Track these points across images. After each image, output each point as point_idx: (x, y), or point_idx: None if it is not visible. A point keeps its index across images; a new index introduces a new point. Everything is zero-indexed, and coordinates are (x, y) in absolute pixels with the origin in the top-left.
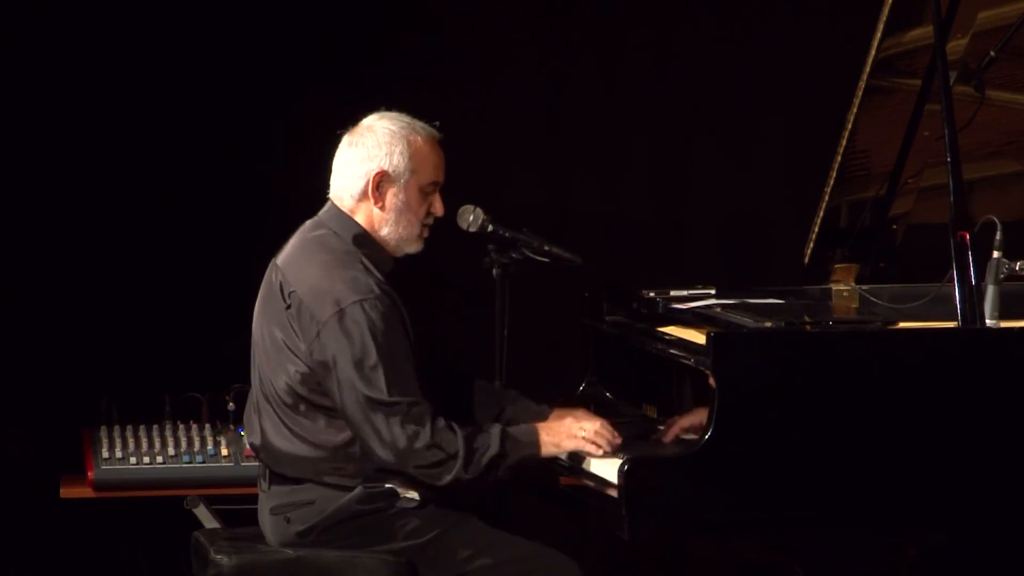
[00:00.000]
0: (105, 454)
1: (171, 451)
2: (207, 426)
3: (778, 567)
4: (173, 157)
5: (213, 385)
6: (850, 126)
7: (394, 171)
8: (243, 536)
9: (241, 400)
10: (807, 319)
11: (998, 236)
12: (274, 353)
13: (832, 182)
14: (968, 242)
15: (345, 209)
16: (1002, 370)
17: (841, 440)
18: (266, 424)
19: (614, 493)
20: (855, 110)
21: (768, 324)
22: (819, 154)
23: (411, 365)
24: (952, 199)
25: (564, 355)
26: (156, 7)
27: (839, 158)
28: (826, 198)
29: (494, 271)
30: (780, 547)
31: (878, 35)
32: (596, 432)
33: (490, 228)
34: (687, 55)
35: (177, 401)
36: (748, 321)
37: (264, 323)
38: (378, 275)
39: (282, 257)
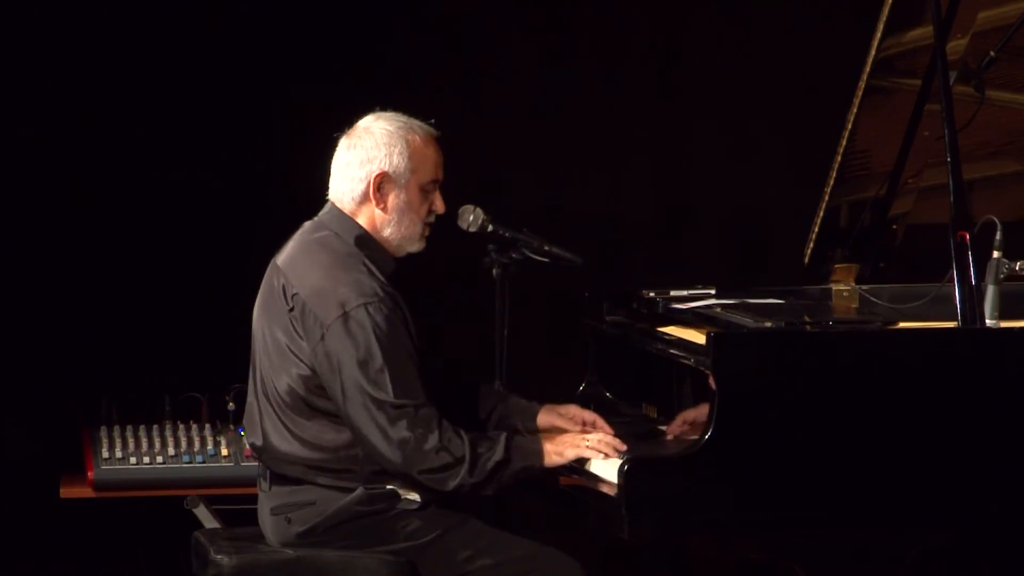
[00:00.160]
0: (105, 454)
1: (171, 451)
2: (207, 426)
3: (778, 567)
4: (173, 157)
5: (213, 385)
6: (850, 126)
7: (394, 172)
8: (243, 536)
9: (241, 400)
10: (807, 319)
11: (998, 236)
12: (276, 355)
13: (832, 182)
14: (968, 242)
15: (346, 211)
16: (1002, 370)
17: (841, 440)
18: (267, 425)
19: (614, 493)
20: (855, 110)
21: (768, 324)
22: (819, 154)
23: (416, 368)
24: (952, 199)
25: (564, 355)
26: (156, 7)
27: (839, 158)
28: (826, 198)
29: (494, 271)
30: (780, 547)
31: (878, 35)
32: (600, 441)
33: (490, 228)
34: (687, 55)
35: (177, 401)
36: (748, 321)
37: (265, 324)
38: (381, 277)
39: (283, 258)
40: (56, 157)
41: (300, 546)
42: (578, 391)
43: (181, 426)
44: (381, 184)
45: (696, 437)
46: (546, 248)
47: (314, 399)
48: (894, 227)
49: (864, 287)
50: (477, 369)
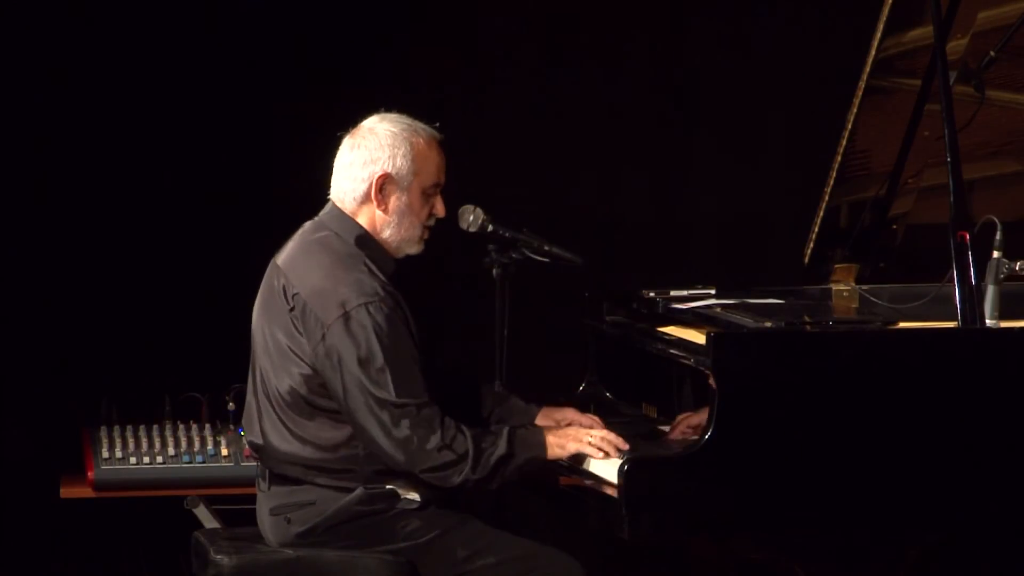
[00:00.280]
0: (105, 454)
1: (171, 451)
2: (207, 426)
3: (778, 567)
4: (173, 157)
5: (213, 385)
6: (850, 126)
7: (397, 174)
8: (243, 536)
9: (241, 400)
10: (807, 319)
11: (998, 236)
12: (277, 356)
13: (832, 182)
14: (968, 242)
15: (347, 211)
16: (1002, 370)
17: (841, 440)
18: (266, 424)
19: (614, 493)
20: (855, 110)
21: (768, 324)
22: (819, 154)
23: (417, 366)
24: (952, 199)
25: (564, 355)
26: (157, 7)
27: (839, 158)
28: (826, 198)
29: (494, 271)
30: (780, 547)
31: (878, 35)
32: (602, 439)
33: (490, 228)
34: (687, 55)
35: (177, 401)
36: (748, 321)
37: (266, 325)
38: (381, 277)
39: (283, 258)
40: (56, 157)
41: (300, 546)
42: (578, 391)
43: (181, 426)
44: (383, 185)
45: (696, 437)
46: (546, 248)
47: (316, 399)
48: (894, 227)
49: (864, 287)
50: (477, 369)
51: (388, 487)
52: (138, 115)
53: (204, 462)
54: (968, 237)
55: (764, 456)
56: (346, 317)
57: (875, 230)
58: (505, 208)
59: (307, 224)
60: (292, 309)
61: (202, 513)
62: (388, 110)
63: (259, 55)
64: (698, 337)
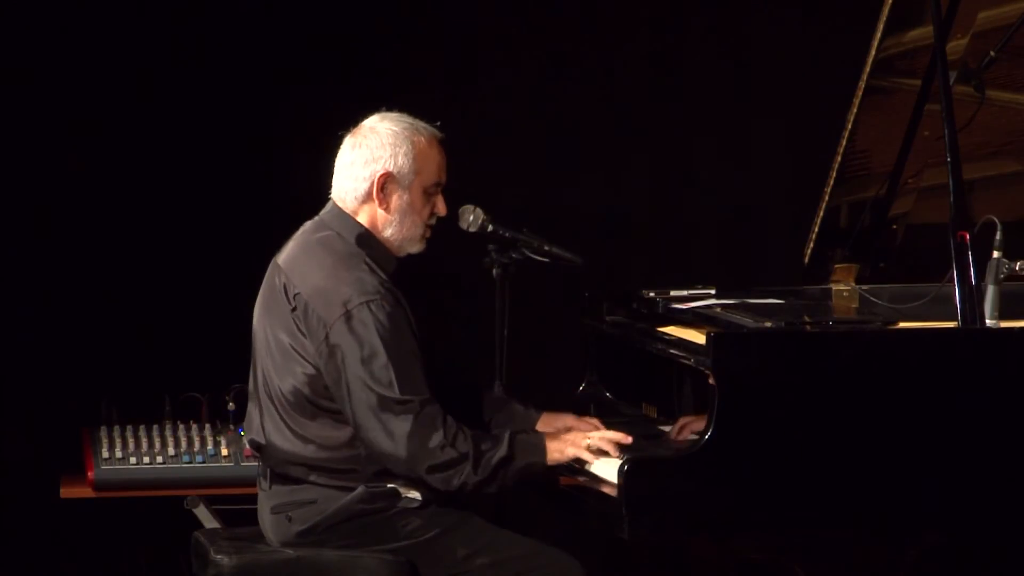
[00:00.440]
0: (105, 454)
1: (171, 451)
2: (207, 426)
3: (778, 567)
4: (173, 157)
5: (213, 385)
6: (850, 126)
7: (399, 173)
8: (243, 536)
9: (241, 400)
10: (807, 319)
11: (998, 236)
12: (280, 356)
13: (832, 182)
14: (968, 242)
15: (348, 210)
16: (1002, 370)
17: (841, 440)
18: (268, 424)
19: (614, 493)
20: (855, 110)
21: (768, 324)
22: (819, 154)
23: (420, 364)
24: (952, 199)
25: (564, 355)
26: (157, 7)
27: (839, 158)
28: (826, 198)
29: (494, 271)
30: (780, 547)
31: (878, 35)
32: (602, 439)
33: (490, 228)
34: (687, 55)
35: (177, 401)
36: (748, 321)
37: (268, 325)
38: (382, 275)
39: (284, 258)
40: (56, 157)
41: (300, 545)
42: (578, 391)
43: (181, 426)
44: (385, 184)
45: (696, 437)
46: (546, 248)
47: (318, 399)
48: (894, 227)
49: (864, 287)
50: (477, 369)
51: (389, 485)
52: (138, 115)
53: (204, 462)
54: (968, 237)
55: (764, 456)
56: (348, 315)
57: (875, 230)
58: (505, 208)
59: (308, 223)
60: (294, 309)
61: (202, 513)
62: (389, 109)
63: (259, 54)
64: (698, 337)
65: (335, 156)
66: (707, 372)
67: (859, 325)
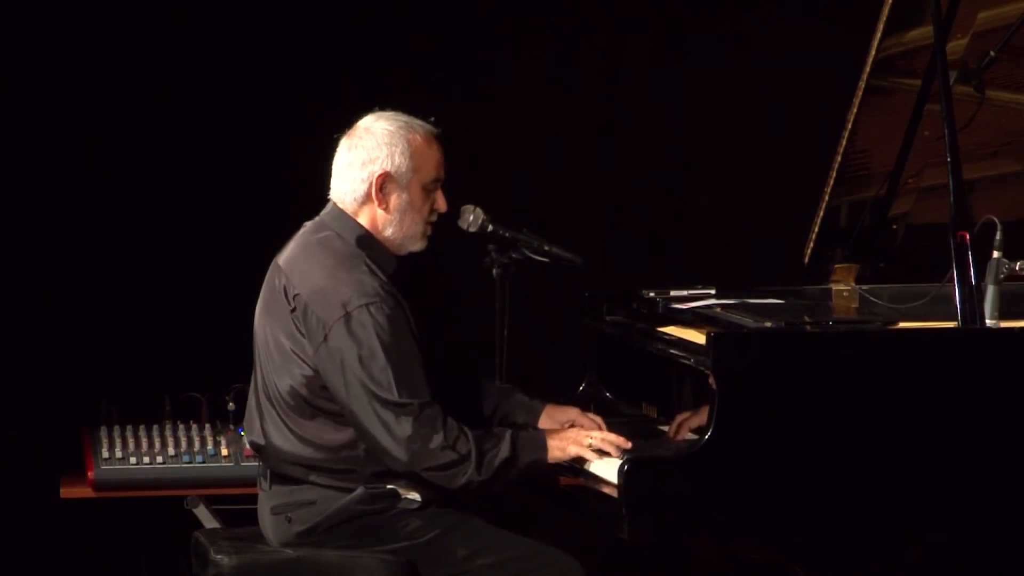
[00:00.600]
0: (105, 454)
1: (171, 451)
2: (207, 426)
3: (778, 567)
4: (173, 157)
5: (213, 385)
6: (850, 126)
7: (396, 172)
8: (243, 536)
9: (241, 400)
10: (807, 319)
11: (998, 236)
12: (279, 356)
13: (832, 182)
14: (968, 242)
15: (348, 211)
16: (1002, 370)
17: (841, 440)
18: (268, 424)
19: (614, 493)
20: (855, 110)
21: (768, 324)
22: (819, 154)
23: (419, 366)
24: (952, 199)
25: (564, 355)
26: (158, 7)
27: (839, 158)
28: (826, 198)
29: (494, 271)
30: (780, 547)
31: (878, 35)
32: (603, 439)
33: (490, 228)
34: (687, 55)
35: (177, 401)
36: (748, 321)
37: (268, 326)
38: (382, 277)
39: (284, 258)
40: (56, 157)
41: (300, 546)
42: (578, 391)
43: (181, 426)
44: (383, 184)
45: (695, 435)
46: (546, 248)
47: (317, 400)
48: (894, 227)
49: (864, 287)
50: (477, 369)
51: (389, 486)
52: (138, 115)
53: (204, 462)
54: (968, 237)
55: (764, 456)
56: (347, 318)
57: (875, 230)
58: (505, 208)
59: (308, 224)
60: (294, 310)
61: (202, 513)
62: (383, 108)
63: (259, 55)
64: (698, 337)
65: (334, 157)
66: (707, 372)
67: (859, 325)
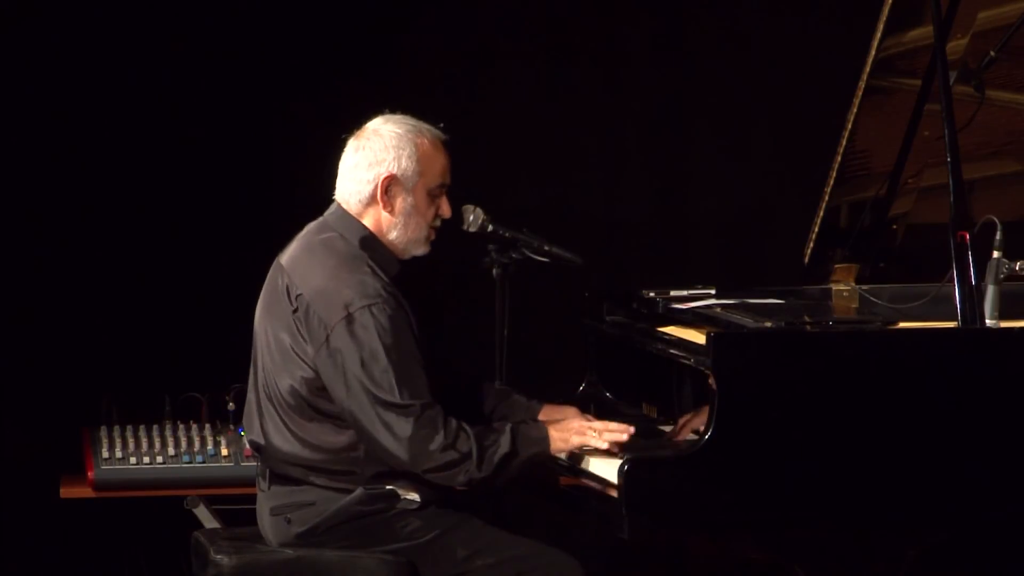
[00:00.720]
0: (105, 454)
1: (171, 451)
2: (207, 426)
3: (778, 567)
4: (173, 157)
5: (213, 385)
6: (850, 126)
7: (402, 175)
8: (243, 536)
9: (241, 400)
10: (807, 319)
11: (998, 236)
12: (279, 356)
13: (832, 182)
14: (968, 242)
15: (352, 212)
16: (1002, 370)
17: (841, 440)
18: (268, 425)
19: (614, 493)
20: (855, 110)
21: (768, 324)
22: (819, 154)
23: (420, 367)
24: (952, 199)
25: (564, 355)
26: (159, 8)
27: (839, 158)
28: (826, 198)
29: (494, 271)
30: (780, 547)
31: (878, 35)
32: (605, 428)
33: (490, 228)
34: (687, 55)
35: (177, 401)
36: (748, 321)
37: (269, 325)
38: (384, 278)
39: (287, 259)
40: (57, 157)
41: (299, 546)
42: (578, 391)
43: (181, 426)
44: (389, 187)
45: (696, 436)
46: (546, 248)
47: (316, 401)
48: (894, 227)
49: (864, 287)
50: (477, 369)
51: (388, 487)
52: (139, 115)
53: (204, 462)
54: (968, 237)
55: (764, 456)
56: (349, 319)
57: (875, 230)
58: (505, 208)
59: (312, 224)
60: (295, 310)
61: (202, 513)
62: (392, 111)
63: (262, 55)
64: (698, 337)
65: (339, 157)
66: (707, 372)
67: (859, 325)
